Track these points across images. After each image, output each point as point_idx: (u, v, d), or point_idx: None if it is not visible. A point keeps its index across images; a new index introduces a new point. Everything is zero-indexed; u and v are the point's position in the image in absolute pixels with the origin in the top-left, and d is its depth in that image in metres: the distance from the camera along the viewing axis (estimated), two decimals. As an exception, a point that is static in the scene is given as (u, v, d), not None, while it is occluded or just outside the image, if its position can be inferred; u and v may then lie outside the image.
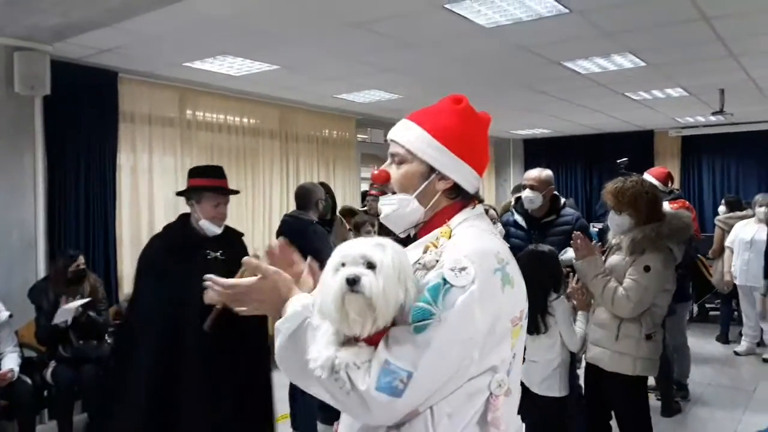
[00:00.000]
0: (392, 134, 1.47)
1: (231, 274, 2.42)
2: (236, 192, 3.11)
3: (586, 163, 10.56)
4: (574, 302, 3.17)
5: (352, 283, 1.17)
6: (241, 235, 3.12)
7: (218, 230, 2.91)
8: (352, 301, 1.17)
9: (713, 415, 4.59)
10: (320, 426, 3.82)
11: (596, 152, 10.23)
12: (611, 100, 7.11)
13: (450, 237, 1.35)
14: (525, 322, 1.36)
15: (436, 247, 1.33)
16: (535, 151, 11.11)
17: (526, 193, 3.66)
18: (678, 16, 4.12)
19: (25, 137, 4.52)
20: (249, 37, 4.48)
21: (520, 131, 10.42)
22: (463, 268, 1.23)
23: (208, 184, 2.93)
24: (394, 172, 1.45)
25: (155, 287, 2.79)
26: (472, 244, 1.30)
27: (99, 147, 5.14)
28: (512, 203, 3.91)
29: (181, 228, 2.95)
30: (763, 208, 5.90)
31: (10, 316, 3.90)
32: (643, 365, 2.97)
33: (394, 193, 1.45)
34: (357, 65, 5.38)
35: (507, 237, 3.64)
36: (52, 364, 3.97)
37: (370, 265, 1.19)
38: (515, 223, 3.73)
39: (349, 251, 1.22)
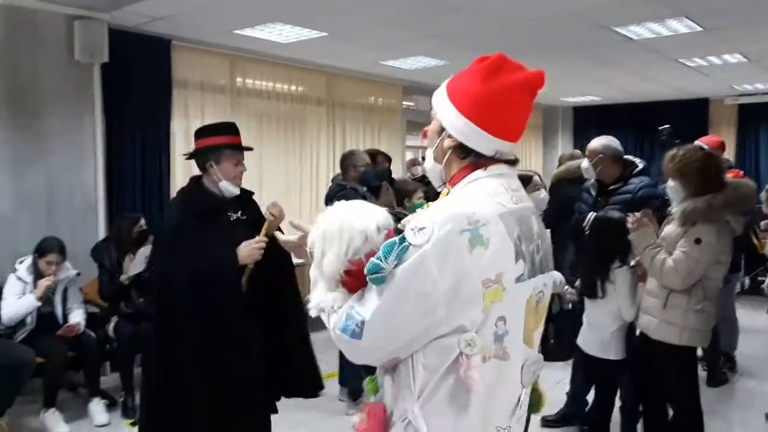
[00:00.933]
0: (434, 95, 1.51)
1: (253, 234, 2.69)
2: (250, 149, 2.89)
3: (638, 131, 10.27)
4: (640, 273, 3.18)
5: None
6: (252, 193, 2.94)
7: (238, 191, 2.76)
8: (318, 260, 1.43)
9: (761, 387, 4.55)
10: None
11: (647, 120, 9.92)
12: (664, 66, 6.91)
13: (446, 195, 1.43)
14: (512, 284, 1.31)
15: (425, 207, 1.41)
16: (585, 119, 10.89)
17: (583, 164, 3.80)
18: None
19: (85, 103, 4.72)
20: (298, 3, 4.53)
21: (569, 98, 10.22)
22: (422, 228, 1.28)
23: (228, 141, 2.75)
24: (429, 126, 1.52)
25: (186, 255, 2.59)
26: (448, 206, 1.33)
27: (153, 113, 5.30)
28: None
29: (201, 192, 2.75)
30: None
31: (78, 274, 4.12)
32: (690, 335, 2.97)
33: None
34: (403, 31, 5.37)
35: (579, 202, 3.80)
36: (114, 319, 4.19)
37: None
38: (588, 190, 3.85)
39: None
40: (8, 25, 4.31)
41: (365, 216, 1.41)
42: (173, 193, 5.52)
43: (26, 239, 4.30)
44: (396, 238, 1.30)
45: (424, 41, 5.75)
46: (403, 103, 8.20)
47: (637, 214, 3.07)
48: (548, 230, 1.70)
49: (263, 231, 2.65)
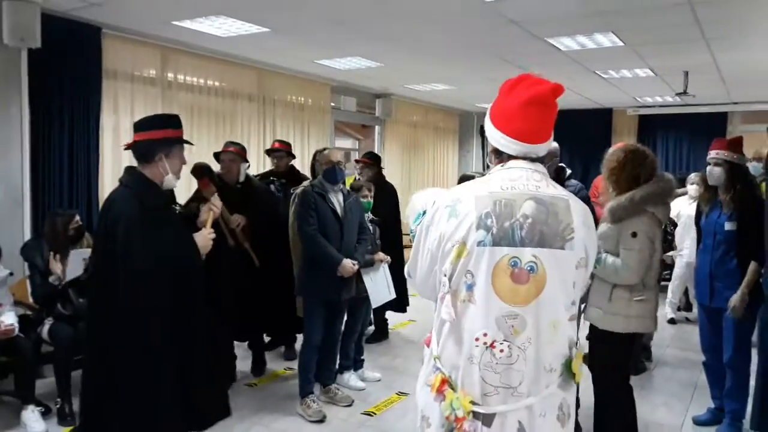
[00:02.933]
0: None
1: (189, 225, 2.91)
2: (191, 143, 2.98)
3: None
4: None
5: None
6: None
7: (177, 184, 2.78)
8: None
9: (675, 374, 4.97)
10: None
11: (557, 127, 10.50)
12: (583, 77, 7.36)
13: None
14: (475, 247, 1.72)
15: None
16: (497, 125, 11.34)
17: None
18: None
19: (11, 90, 4.43)
20: (247, -3, 4.47)
21: (484, 104, 10.63)
22: (433, 203, 1.89)
23: (179, 135, 2.75)
24: None
25: (150, 246, 2.56)
26: (455, 188, 1.89)
27: (83, 103, 5.02)
28: None
29: (151, 186, 2.70)
30: (694, 186, 5.90)
31: (10, 274, 3.84)
32: (637, 323, 3.18)
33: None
34: (345, 31, 5.40)
35: None
36: (49, 321, 3.94)
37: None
38: None
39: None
40: (-72, 3, 3.96)
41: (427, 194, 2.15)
42: (101, 188, 5.27)
43: (-54, 235, 3.98)
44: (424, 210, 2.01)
45: (361, 42, 5.81)
46: (331, 103, 8.22)
47: None
48: None
49: (209, 222, 2.92)
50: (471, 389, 1.74)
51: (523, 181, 1.78)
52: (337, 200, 4.06)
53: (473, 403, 1.72)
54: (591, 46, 5.71)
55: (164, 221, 2.67)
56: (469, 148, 11.77)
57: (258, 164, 6.93)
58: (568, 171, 3.92)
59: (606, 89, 8.26)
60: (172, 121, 2.78)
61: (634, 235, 3.07)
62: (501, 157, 1.85)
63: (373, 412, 4.10)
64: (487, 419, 1.72)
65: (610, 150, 3.32)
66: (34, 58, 4.51)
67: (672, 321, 6.55)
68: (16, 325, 3.72)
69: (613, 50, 5.84)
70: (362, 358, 4.74)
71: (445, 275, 1.76)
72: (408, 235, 2.19)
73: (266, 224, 4.50)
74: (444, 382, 1.77)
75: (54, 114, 4.80)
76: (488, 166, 1.98)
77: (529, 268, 1.71)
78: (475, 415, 1.72)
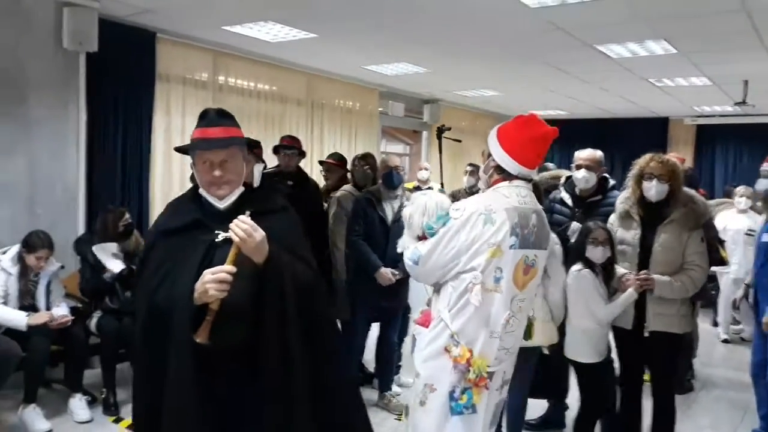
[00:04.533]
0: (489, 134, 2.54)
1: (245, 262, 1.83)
2: (233, 142, 1.98)
3: (596, 146, 10.59)
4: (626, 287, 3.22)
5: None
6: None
7: (220, 204, 1.96)
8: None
9: (725, 394, 4.79)
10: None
11: (608, 136, 10.32)
12: (634, 85, 7.20)
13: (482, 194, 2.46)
14: (507, 249, 2.29)
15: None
16: (548, 132, 11.18)
17: (582, 173, 3.66)
18: (719, 6, 4.21)
19: (69, 92, 4.62)
20: (292, 4, 4.54)
21: (536, 111, 10.45)
22: (458, 209, 2.35)
23: (196, 135, 1.97)
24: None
25: (147, 281, 1.94)
26: (477, 199, 2.40)
27: (136, 105, 5.20)
28: (562, 181, 3.96)
29: (187, 203, 2.06)
30: (743, 199, 5.65)
31: (62, 267, 4.02)
32: (688, 322, 3.28)
33: None
34: (390, 37, 5.44)
35: (550, 212, 3.67)
36: (97, 314, 4.10)
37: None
38: (561, 201, 3.80)
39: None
40: (-5, 8, 4.18)
41: (436, 198, 2.61)
42: (152, 188, 5.45)
43: (5, 229, 4.19)
44: (444, 213, 2.43)
45: (409, 48, 5.84)
46: (379, 108, 8.28)
47: (636, 277, 3.18)
48: None
49: (230, 257, 1.83)
50: (488, 356, 2.34)
51: (528, 198, 2.42)
52: (390, 207, 4.08)
53: (487, 366, 2.34)
54: (642, 53, 5.58)
55: (184, 249, 1.92)
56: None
57: (305, 169, 7.04)
58: (612, 181, 3.82)
59: (660, 98, 8.04)
60: (200, 116, 2.03)
61: (702, 239, 3.20)
62: (503, 174, 2.42)
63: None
64: (491, 375, 2.36)
65: (663, 156, 3.28)
66: (91, 61, 4.71)
67: (726, 341, 6.29)
68: (70, 316, 3.88)
69: (666, 58, 5.69)
70: (399, 363, 4.75)
71: (475, 269, 2.28)
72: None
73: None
74: (470, 352, 2.30)
75: (109, 115, 4.99)
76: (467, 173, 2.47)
77: (531, 264, 2.40)
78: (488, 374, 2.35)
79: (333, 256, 4.66)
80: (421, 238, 2.56)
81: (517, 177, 2.40)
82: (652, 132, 9.97)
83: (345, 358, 2.42)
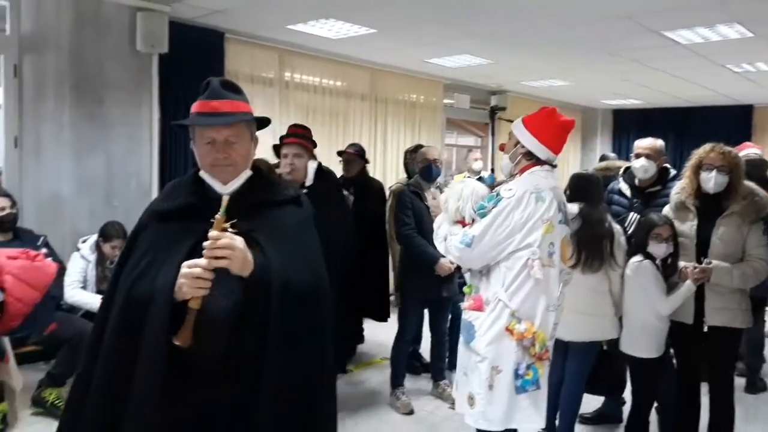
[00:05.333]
0: (513, 124, 2.74)
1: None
2: (241, 118, 1.71)
3: (677, 136, 10.22)
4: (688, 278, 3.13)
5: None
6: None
7: (223, 189, 1.70)
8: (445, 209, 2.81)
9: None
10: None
11: (688, 125, 9.90)
12: (710, 71, 6.87)
13: (519, 178, 2.60)
14: (557, 225, 2.52)
15: (508, 183, 2.61)
16: (624, 122, 10.85)
17: (641, 162, 3.61)
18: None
19: (143, 92, 4.90)
20: (351, 0, 4.64)
21: (610, 101, 10.18)
22: (510, 189, 2.50)
23: (193, 110, 1.70)
24: (507, 143, 2.76)
25: (129, 269, 1.67)
26: (527, 181, 2.53)
27: (206, 104, 5.44)
28: (621, 171, 3.89)
29: (184, 186, 1.78)
30: None
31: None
32: (749, 317, 3.19)
33: None
34: (450, 29, 5.44)
35: (609, 203, 3.64)
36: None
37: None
38: (619, 191, 3.75)
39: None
40: (76, 16, 4.50)
41: (472, 184, 2.81)
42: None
43: (86, 220, 4.52)
44: (495, 194, 2.56)
45: (470, 39, 5.82)
46: (444, 101, 8.28)
47: (693, 268, 3.09)
48: None
49: (206, 254, 1.56)
50: (546, 329, 2.51)
51: (558, 181, 2.66)
52: (432, 198, 4.13)
53: (547, 339, 2.51)
54: (715, 38, 5.32)
55: (177, 237, 1.66)
56: (593, 146, 11.31)
57: (370, 165, 7.16)
58: (673, 172, 3.70)
59: (742, 84, 7.62)
60: (202, 87, 1.72)
61: (765, 231, 3.13)
62: (533, 159, 2.61)
63: (458, 407, 4.15)
64: (549, 348, 2.54)
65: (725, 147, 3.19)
66: (163, 62, 4.98)
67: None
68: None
69: (742, 42, 5.41)
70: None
71: (532, 245, 2.44)
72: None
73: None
74: (533, 326, 2.45)
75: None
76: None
77: (569, 241, 2.66)
78: None
79: (390, 248, 4.76)
80: (460, 224, 2.69)
81: (545, 162, 2.61)
82: (735, 120, 9.45)
83: (331, 376, 1.95)
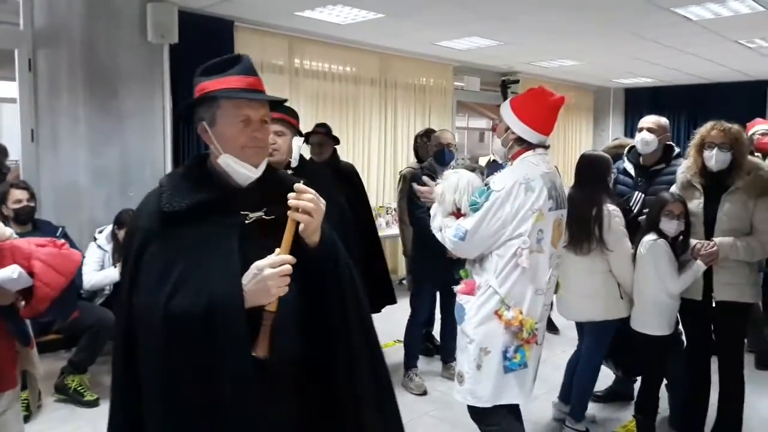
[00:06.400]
0: (501, 107, 2.73)
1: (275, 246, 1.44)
2: (282, 100, 1.73)
3: (691, 114, 10.13)
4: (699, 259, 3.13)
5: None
6: (293, 177, 1.66)
7: (255, 173, 1.55)
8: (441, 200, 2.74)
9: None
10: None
11: (702, 103, 9.79)
12: (723, 47, 6.79)
13: (511, 166, 2.62)
14: (546, 212, 2.53)
15: (499, 172, 2.61)
16: (637, 101, 10.74)
17: (643, 135, 3.60)
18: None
19: (155, 82, 4.97)
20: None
21: (622, 80, 10.09)
22: (499, 181, 2.51)
23: (226, 85, 1.52)
24: (498, 127, 2.77)
25: (149, 290, 1.45)
26: (517, 171, 2.55)
27: (217, 92, 5.50)
28: (625, 151, 3.89)
29: (195, 177, 1.57)
30: None
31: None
32: (757, 291, 3.24)
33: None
34: (460, 11, 5.43)
35: (614, 183, 3.63)
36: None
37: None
38: (624, 171, 3.75)
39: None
40: (88, 7, 4.56)
41: (467, 176, 2.74)
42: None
43: (102, 210, 4.61)
44: (485, 187, 2.55)
45: (479, 21, 5.80)
46: (454, 83, 8.27)
47: (705, 246, 3.09)
48: None
49: (286, 242, 1.46)
50: (535, 314, 2.57)
51: (551, 164, 2.67)
52: (428, 180, 4.14)
53: (535, 323, 2.57)
54: (726, 13, 5.27)
55: (199, 239, 1.48)
56: (605, 126, 11.24)
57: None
58: (677, 149, 3.71)
59: (756, 60, 7.53)
60: (223, 65, 1.57)
61: None
62: (524, 144, 2.61)
63: (472, 388, 4.21)
64: (537, 331, 2.59)
65: (725, 123, 3.19)
66: (174, 52, 5.04)
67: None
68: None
69: (754, 16, 5.34)
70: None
71: (523, 235, 2.48)
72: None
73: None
74: (520, 313, 2.51)
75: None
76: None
77: (560, 223, 2.67)
78: None
79: (401, 232, 4.81)
80: (455, 214, 2.69)
81: (538, 145, 2.61)
82: (749, 97, 9.32)
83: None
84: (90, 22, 4.57)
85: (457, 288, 2.73)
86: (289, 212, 1.44)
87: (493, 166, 5.82)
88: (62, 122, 4.55)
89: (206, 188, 1.53)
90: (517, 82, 5.49)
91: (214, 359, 1.37)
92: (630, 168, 3.72)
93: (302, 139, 3.05)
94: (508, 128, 2.64)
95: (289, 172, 2.79)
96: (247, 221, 1.51)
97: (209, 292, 1.39)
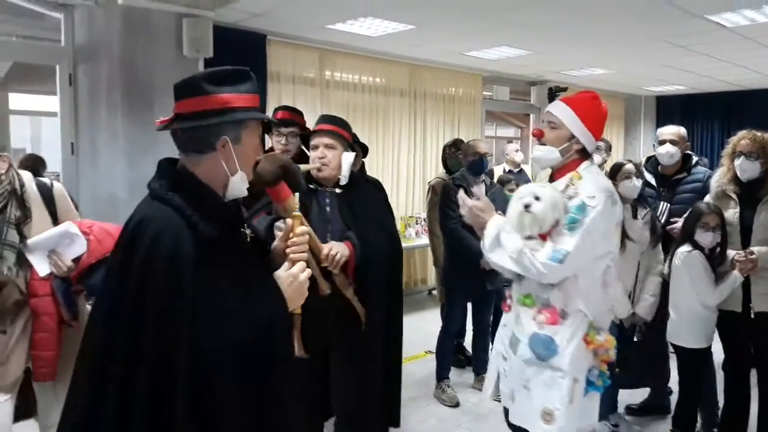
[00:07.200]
0: (550, 108, 2.46)
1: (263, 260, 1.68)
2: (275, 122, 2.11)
3: (724, 121, 9.96)
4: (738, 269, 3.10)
5: (526, 207, 2.24)
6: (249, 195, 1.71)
7: (245, 190, 1.63)
8: (525, 217, 2.25)
9: None
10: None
11: (736, 110, 9.63)
12: (758, 53, 6.68)
13: (580, 179, 2.33)
14: (621, 224, 2.64)
15: (574, 185, 2.31)
16: (668, 109, 10.60)
17: (666, 148, 3.65)
18: None
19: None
20: (389, -1, 4.72)
21: (653, 88, 9.98)
22: (593, 197, 2.25)
23: (248, 104, 1.57)
24: (548, 132, 2.43)
25: (223, 310, 1.47)
26: (597, 182, 2.32)
27: (250, 105, 5.59)
28: (643, 162, 3.91)
29: (209, 198, 1.56)
30: None
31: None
32: None
33: (543, 144, 2.43)
34: (488, 22, 5.44)
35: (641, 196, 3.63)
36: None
37: (537, 198, 2.24)
38: (645, 182, 3.75)
39: (525, 190, 2.30)
40: (126, 24, 4.68)
41: (554, 191, 2.34)
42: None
43: (140, 221, 4.70)
44: (581, 203, 2.25)
45: (508, 32, 5.81)
46: (483, 93, 8.27)
47: (742, 254, 3.07)
48: None
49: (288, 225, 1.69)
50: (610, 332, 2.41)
51: None
52: (479, 192, 4.15)
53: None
54: (762, 19, 5.19)
55: (228, 260, 1.53)
56: (637, 135, 11.11)
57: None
58: (695, 158, 3.73)
59: (792, 66, 7.40)
60: (240, 76, 1.58)
61: None
62: (583, 154, 2.41)
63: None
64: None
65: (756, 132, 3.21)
66: (208, 66, 5.13)
67: None
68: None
69: (791, 23, 5.26)
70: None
71: (612, 252, 2.36)
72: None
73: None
74: (609, 335, 2.36)
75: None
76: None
77: None
78: None
79: (431, 243, 4.82)
80: (541, 237, 2.27)
81: (590, 155, 2.45)
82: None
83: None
84: (128, 38, 4.69)
85: (537, 319, 2.34)
86: (290, 215, 1.76)
87: (519, 175, 5.85)
88: (101, 135, 4.66)
89: (215, 207, 1.56)
90: (565, 89, 5.42)
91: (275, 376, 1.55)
92: (650, 178, 3.74)
93: (353, 154, 2.78)
94: (572, 136, 2.36)
95: (337, 191, 2.73)
96: (247, 239, 1.65)
97: (265, 317, 1.52)
